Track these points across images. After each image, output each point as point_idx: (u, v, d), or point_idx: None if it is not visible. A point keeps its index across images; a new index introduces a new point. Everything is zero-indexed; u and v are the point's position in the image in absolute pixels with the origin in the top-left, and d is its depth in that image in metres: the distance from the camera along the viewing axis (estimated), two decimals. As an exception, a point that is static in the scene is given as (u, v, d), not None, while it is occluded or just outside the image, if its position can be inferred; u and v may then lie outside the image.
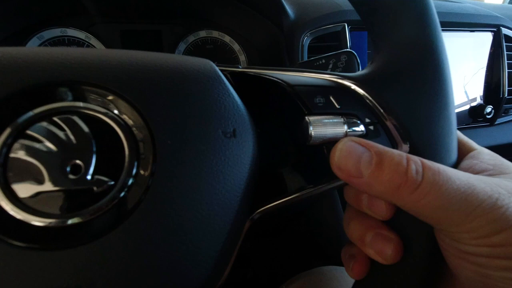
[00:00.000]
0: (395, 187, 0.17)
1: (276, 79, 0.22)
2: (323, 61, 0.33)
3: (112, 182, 0.16)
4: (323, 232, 0.53)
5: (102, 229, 0.15)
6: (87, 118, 0.16)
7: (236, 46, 0.62)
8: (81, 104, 0.16)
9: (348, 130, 0.20)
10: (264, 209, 0.21)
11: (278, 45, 0.54)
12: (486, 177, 0.18)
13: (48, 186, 0.15)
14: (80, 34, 0.52)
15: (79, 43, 0.52)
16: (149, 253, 0.15)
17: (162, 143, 0.17)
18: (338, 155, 0.19)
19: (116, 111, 0.17)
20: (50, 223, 0.15)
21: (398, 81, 0.21)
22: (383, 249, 0.20)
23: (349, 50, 0.33)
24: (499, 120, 0.69)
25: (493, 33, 0.65)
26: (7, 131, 0.15)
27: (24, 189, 0.15)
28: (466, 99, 0.65)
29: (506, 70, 0.65)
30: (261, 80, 0.23)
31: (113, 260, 0.15)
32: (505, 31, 0.65)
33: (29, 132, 0.15)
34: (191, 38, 0.59)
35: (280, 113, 0.26)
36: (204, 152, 0.17)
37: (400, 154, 0.18)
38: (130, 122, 0.17)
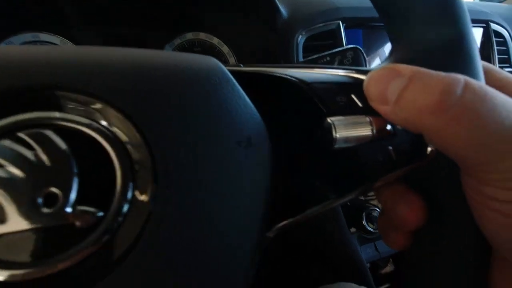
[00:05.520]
0: (417, 109, 0.14)
1: (289, 77, 0.19)
2: (328, 58, 0.30)
3: (101, 213, 0.12)
4: (327, 244, 0.50)
5: (92, 277, 0.11)
6: (64, 132, 0.13)
7: (225, 48, 0.58)
8: (56, 114, 0.13)
9: (375, 130, 0.18)
10: (283, 225, 0.18)
11: (270, 46, 0.51)
12: None
13: (14, 225, 0.11)
14: (55, 39, 0.47)
15: (53, 49, 0.48)
16: None
17: (164, 160, 0.13)
18: (366, 82, 0.17)
19: (103, 122, 0.13)
20: (21, 275, 0.11)
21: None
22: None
23: (355, 46, 0.31)
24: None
25: (483, 29, 0.65)
26: None
27: None
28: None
29: (497, 64, 0.65)
30: (267, 78, 0.20)
31: None
32: (494, 26, 0.66)
33: None
34: (177, 41, 0.55)
35: (292, 115, 0.23)
36: (217, 167, 0.14)
37: (439, 72, 0.15)
38: (121, 134, 0.13)
